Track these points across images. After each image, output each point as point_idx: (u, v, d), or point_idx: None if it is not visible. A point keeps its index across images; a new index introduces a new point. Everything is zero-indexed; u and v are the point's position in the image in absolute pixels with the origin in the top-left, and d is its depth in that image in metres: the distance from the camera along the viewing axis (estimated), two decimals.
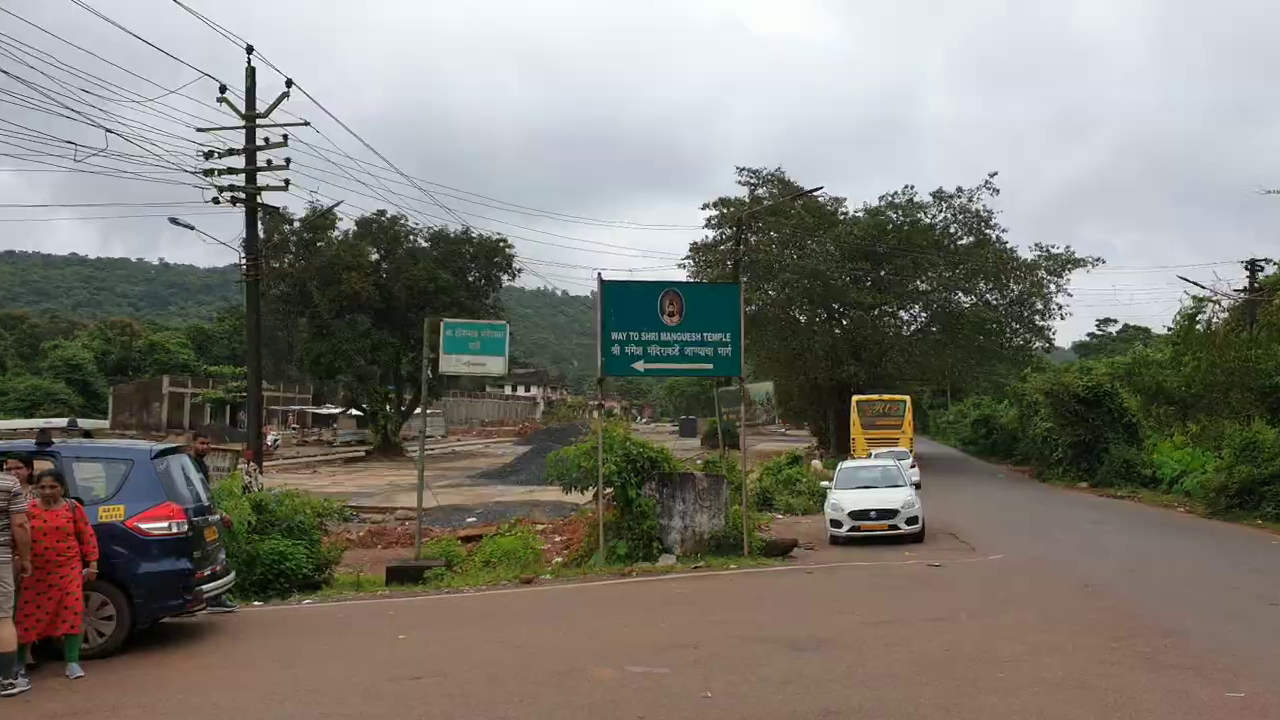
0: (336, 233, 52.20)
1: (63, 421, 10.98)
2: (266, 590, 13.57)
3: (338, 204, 22.20)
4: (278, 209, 18.23)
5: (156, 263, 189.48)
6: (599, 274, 15.11)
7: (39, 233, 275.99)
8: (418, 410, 68.43)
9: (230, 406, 70.10)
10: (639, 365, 15.35)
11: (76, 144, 17.50)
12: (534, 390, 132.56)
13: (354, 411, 63.30)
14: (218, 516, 10.89)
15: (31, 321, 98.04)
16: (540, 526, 22.90)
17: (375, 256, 52.78)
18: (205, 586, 9.79)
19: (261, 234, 21.70)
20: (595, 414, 16.03)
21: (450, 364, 15.55)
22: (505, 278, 55.75)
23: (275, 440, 56.66)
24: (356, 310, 50.65)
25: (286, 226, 49.69)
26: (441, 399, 74.48)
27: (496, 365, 15.82)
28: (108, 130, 15.79)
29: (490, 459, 53.45)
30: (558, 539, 20.08)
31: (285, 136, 17.61)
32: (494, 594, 13.03)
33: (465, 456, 56.32)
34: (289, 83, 17.14)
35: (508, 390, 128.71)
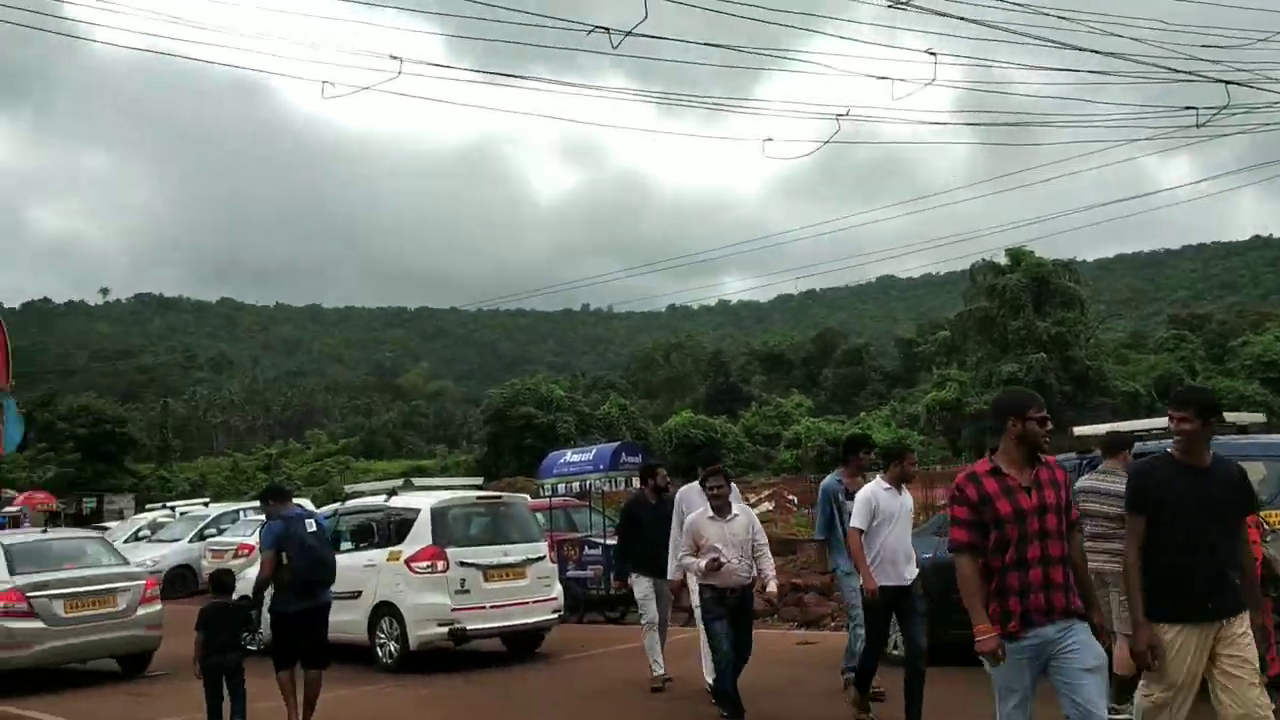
0: None
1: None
2: None
3: None
4: None
5: None
6: None
7: (1218, 221, 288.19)
8: None
9: None
10: None
11: (1197, 108, 17.85)
12: None
13: None
14: None
15: (1218, 319, 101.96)
16: None
17: None
18: None
19: None
20: None
21: None
22: None
23: None
24: None
25: None
26: None
27: None
28: (1227, 83, 15.80)
29: None
30: None
31: None
32: None
33: None
34: None
35: None
